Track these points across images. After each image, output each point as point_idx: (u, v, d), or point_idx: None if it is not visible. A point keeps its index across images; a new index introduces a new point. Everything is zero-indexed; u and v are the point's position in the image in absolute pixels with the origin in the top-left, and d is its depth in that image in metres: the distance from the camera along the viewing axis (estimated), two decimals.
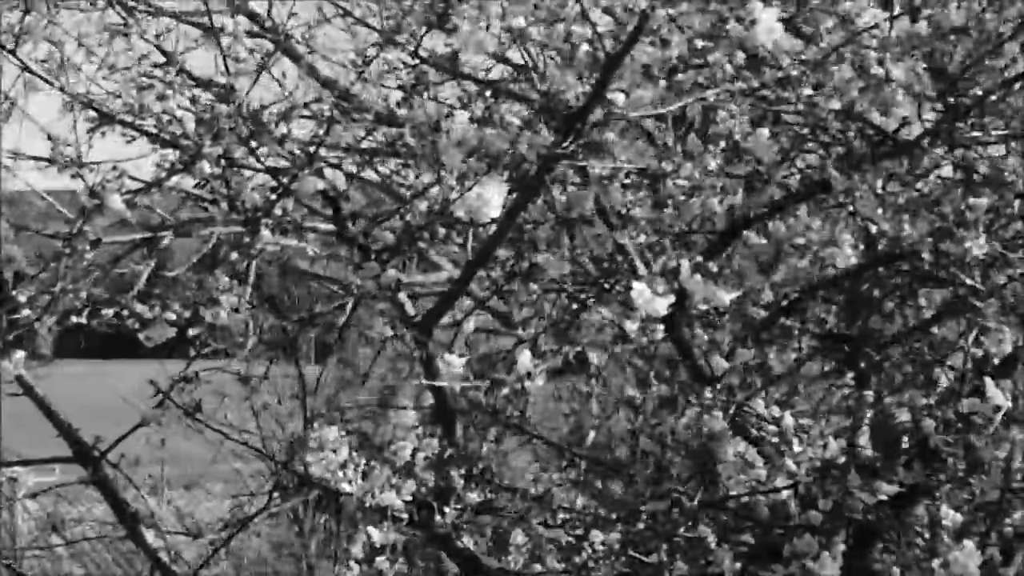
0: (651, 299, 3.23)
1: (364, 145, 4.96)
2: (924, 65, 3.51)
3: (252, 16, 4.39)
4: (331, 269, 5.86)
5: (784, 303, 4.10)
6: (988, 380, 3.39)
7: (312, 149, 3.33)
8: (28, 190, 4.25)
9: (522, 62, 3.91)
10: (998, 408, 3.35)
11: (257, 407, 5.09)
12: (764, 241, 3.71)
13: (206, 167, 3.20)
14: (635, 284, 3.26)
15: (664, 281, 3.27)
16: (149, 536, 4.87)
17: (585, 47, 3.29)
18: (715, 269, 3.29)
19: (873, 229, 3.66)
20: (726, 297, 3.32)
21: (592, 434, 6.00)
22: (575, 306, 3.92)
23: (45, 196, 3.91)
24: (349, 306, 5.02)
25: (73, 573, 8.99)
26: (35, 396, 4.76)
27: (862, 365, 4.10)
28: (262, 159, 3.41)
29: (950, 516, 3.48)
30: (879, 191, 3.45)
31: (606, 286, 3.53)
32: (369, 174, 5.48)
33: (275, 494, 5.22)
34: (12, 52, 3.33)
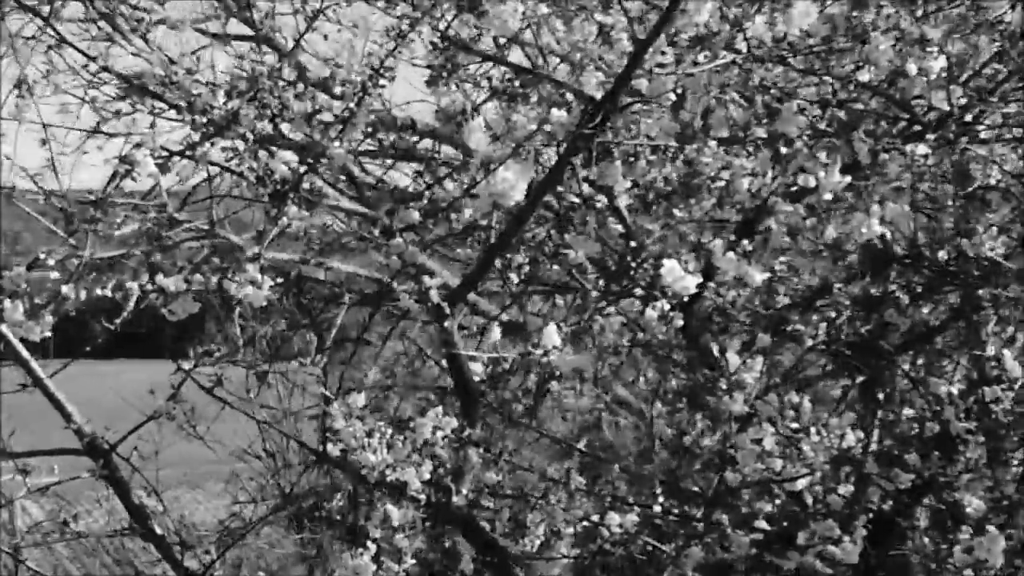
0: (682, 276, 3.25)
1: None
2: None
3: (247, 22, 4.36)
4: (329, 275, 5.87)
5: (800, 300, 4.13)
6: (1007, 353, 3.40)
7: (342, 124, 3.34)
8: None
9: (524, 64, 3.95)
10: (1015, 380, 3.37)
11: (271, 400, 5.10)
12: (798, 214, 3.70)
13: (239, 141, 3.20)
14: (666, 261, 3.28)
15: (695, 258, 3.28)
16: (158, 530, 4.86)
17: (624, 36, 3.30)
18: (749, 248, 3.30)
19: (882, 231, 3.69)
20: (758, 277, 3.33)
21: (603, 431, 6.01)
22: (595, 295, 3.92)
23: (26, 209, 3.91)
24: (346, 309, 5.01)
25: (72, 573, 8.95)
26: (45, 389, 4.73)
27: (871, 368, 4.12)
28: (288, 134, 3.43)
29: (973, 503, 3.49)
30: (910, 158, 3.47)
31: (631, 265, 3.53)
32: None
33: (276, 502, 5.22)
34: (46, 19, 3.34)
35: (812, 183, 3.33)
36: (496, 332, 3.96)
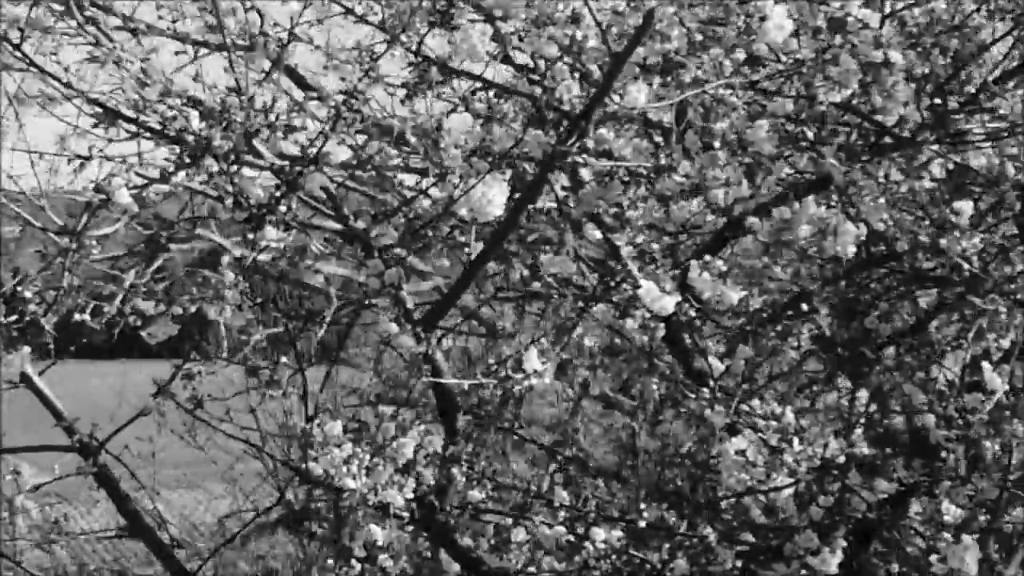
0: (659, 297, 3.25)
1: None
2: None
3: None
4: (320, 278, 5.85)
5: (781, 303, 4.13)
6: (986, 365, 3.40)
7: (317, 146, 3.33)
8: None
9: (521, 62, 3.94)
10: (993, 392, 3.36)
11: (256, 406, 5.08)
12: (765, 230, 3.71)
13: (213, 164, 3.20)
14: (643, 283, 3.27)
15: (671, 279, 3.28)
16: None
17: (592, 43, 3.29)
18: (724, 268, 3.31)
19: (864, 229, 3.69)
20: (734, 296, 3.34)
21: (580, 437, 6.03)
22: (579, 306, 3.92)
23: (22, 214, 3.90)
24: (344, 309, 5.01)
25: (72, 572, 8.97)
26: (34, 387, 4.73)
27: (857, 365, 4.12)
28: (266, 156, 3.42)
29: (951, 512, 3.49)
30: (880, 181, 3.47)
31: (610, 285, 3.53)
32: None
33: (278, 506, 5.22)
34: (17, 47, 3.33)
35: (787, 215, 3.34)
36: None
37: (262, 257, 3.73)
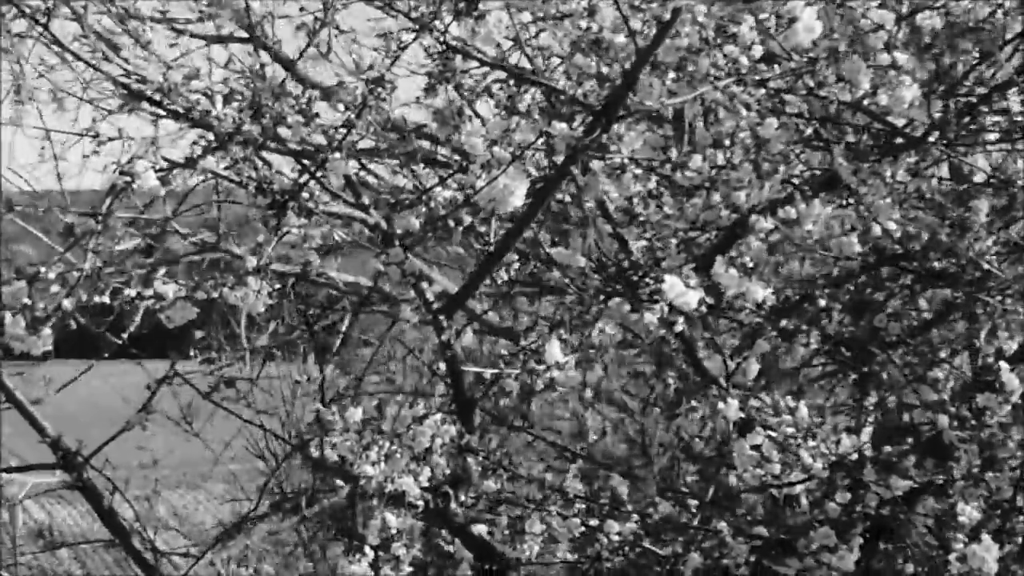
0: (684, 292, 3.24)
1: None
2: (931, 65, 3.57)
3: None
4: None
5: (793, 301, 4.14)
6: (1003, 365, 3.40)
7: (342, 133, 3.35)
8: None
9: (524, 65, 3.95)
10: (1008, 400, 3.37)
11: (268, 401, 5.10)
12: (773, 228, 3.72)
13: (239, 150, 3.22)
14: (667, 277, 3.26)
15: (695, 274, 3.28)
16: (135, 540, 4.84)
17: (620, 38, 3.30)
18: (750, 264, 3.31)
19: (878, 230, 3.70)
20: (760, 292, 3.33)
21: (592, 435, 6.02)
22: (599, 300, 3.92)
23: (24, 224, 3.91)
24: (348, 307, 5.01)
25: (73, 574, 8.95)
26: (16, 401, 4.67)
27: (865, 366, 4.13)
28: (290, 142, 3.44)
29: (967, 512, 3.49)
30: (888, 180, 3.49)
31: (631, 280, 3.53)
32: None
33: (270, 495, 5.21)
34: (44, 27, 3.35)
35: (793, 215, 3.36)
36: (468, 336, 3.94)
37: (282, 268, 3.74)
